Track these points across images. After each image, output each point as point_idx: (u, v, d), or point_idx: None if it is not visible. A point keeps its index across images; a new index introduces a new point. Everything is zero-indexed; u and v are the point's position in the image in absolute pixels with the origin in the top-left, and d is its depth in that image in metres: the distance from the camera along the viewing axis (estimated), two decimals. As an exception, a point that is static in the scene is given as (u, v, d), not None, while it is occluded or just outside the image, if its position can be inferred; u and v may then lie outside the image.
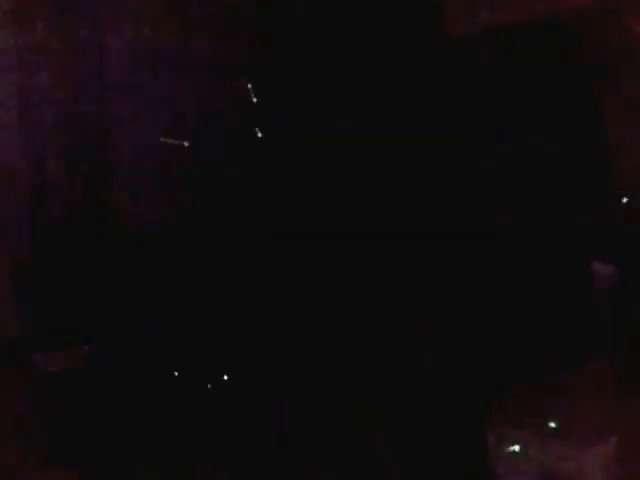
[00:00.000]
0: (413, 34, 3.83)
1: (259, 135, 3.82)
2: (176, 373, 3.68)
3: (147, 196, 3.73)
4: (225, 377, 3.71)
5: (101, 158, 3.71)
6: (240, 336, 3.75)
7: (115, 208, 3.72)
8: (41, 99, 3.59)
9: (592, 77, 3.74)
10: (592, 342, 3.48)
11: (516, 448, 3.18)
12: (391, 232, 3.79)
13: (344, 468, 3.57)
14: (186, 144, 3.76)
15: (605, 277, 3.61)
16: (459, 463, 3.42)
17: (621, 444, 3.12)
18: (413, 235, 3.78)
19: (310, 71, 3.83)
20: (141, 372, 3.66)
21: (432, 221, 3.78)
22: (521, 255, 3.72)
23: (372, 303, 3.74)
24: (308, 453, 3.57)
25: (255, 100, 3.80)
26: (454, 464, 3.43)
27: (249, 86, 3.76)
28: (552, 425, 3.22)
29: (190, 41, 3.78)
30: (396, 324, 3.71)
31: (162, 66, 3.75)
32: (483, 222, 3.77)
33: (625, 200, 3.68)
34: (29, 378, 3.58)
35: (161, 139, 3.73)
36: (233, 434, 3.62)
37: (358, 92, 3.82)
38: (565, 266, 3.71)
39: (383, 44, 3.82)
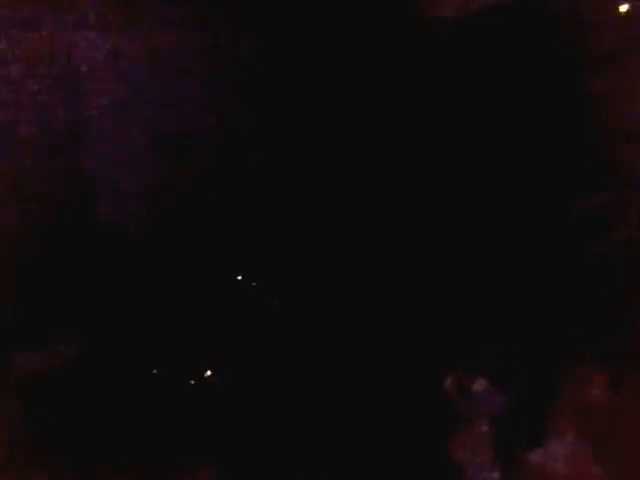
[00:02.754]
0: (395, 18, 3.84)
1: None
2: (158, 372, 3.73)
3: (133, 197, 3.82)
4: (209, 375, 3.74)
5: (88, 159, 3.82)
6: (229, 336, 3.80)
7: (100, 210, 3.81)
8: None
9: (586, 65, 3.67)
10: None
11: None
12: (385, 232, 3.80)
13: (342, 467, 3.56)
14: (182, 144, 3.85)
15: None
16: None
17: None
18: (407, 235, 3.78)
19: (296, 65, 3.87)
20: (124, 372, 3.73)
21: (430, 218, 3.78)
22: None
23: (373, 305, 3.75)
24: (305, 452, 3.57)
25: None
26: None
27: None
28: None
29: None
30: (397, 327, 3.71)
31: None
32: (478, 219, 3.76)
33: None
34: (11, 378, 3.67)
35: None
36: (223, 433, 3.65)
37: (345, 84, 3.84)
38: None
39: (366, 33, 3.85)
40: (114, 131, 3.75)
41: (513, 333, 3.56)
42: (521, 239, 3.66)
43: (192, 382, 3.73)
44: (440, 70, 3.79)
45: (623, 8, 3.59)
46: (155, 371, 3.71)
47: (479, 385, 3.29)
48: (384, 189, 3.84)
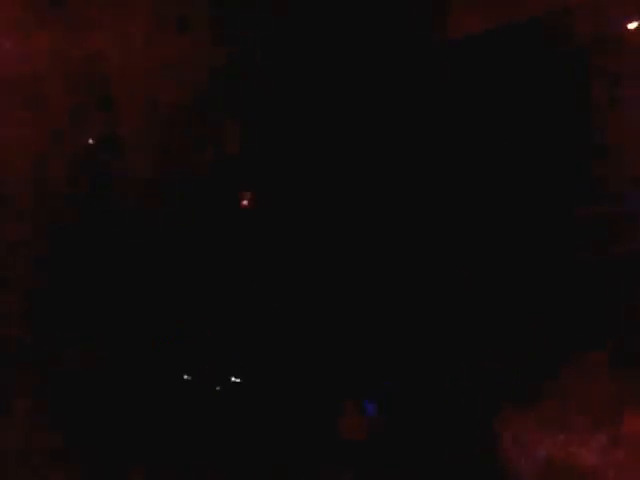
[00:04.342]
0: (411, 36, 3.89)
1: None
2: (186, 375, 3.75)
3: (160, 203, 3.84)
4: (235, 379, 3.77)
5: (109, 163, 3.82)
6: (254, 340, 3.83)
7: (128, 214, 3.81)
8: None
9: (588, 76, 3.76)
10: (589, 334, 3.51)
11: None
12: (391, 234, 3.85)
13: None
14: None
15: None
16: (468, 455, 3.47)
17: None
18: (412, 237, 3.85)
19: (310, 73, 3.89)
20: (151, 372, 3.74)
21: (432, 221, 3.84)
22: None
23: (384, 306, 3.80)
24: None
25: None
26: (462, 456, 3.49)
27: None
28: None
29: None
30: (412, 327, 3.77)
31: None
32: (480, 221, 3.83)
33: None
34: (47, 378, 3.64)
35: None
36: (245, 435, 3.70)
37: (356, 94, 3.89)
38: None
39: (381, 47, 3.89)
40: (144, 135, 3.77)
41: (513, 333, 3.67)
42: (521, 242, 3.77)
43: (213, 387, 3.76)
44: (452, 88, 3.86)
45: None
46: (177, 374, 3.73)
47: None
48: (387, 193, 3.88)
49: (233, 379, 3.78)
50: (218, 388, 3.77)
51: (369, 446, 3.64)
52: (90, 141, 3.75)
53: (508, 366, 3.57)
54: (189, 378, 3.77)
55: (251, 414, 3.73)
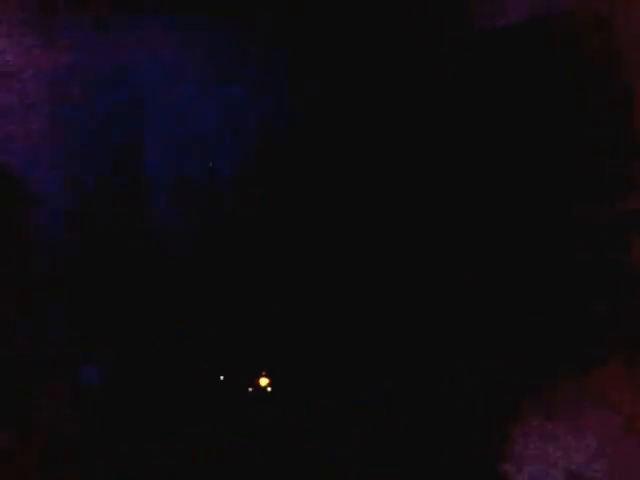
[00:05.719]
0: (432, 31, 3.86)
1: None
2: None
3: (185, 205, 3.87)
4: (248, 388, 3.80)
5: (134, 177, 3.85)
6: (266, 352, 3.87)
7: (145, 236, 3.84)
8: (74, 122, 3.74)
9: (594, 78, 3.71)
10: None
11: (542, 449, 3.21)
12: (394, 234, 3.87)
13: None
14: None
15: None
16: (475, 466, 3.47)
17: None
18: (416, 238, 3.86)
19: (330, 70, 3.89)
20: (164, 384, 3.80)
21: (437, 221, 3.85)
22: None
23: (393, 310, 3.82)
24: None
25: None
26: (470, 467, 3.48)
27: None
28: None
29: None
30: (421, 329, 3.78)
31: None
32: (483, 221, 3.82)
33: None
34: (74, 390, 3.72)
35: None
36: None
37: (371, 91, 3.87)
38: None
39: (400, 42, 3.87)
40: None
41: (513, 333, 3.66)
42: (522, 242, 3.75)
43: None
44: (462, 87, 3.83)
45: None
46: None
47: None
48: (390, 192, 3.87)
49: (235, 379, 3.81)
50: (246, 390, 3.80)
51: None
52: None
53: (508, 367, 3.56)
54: (194, 379, 3.80)
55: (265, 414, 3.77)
